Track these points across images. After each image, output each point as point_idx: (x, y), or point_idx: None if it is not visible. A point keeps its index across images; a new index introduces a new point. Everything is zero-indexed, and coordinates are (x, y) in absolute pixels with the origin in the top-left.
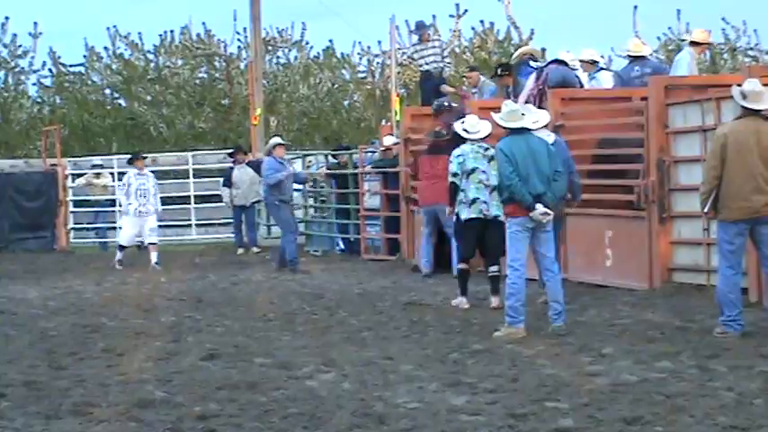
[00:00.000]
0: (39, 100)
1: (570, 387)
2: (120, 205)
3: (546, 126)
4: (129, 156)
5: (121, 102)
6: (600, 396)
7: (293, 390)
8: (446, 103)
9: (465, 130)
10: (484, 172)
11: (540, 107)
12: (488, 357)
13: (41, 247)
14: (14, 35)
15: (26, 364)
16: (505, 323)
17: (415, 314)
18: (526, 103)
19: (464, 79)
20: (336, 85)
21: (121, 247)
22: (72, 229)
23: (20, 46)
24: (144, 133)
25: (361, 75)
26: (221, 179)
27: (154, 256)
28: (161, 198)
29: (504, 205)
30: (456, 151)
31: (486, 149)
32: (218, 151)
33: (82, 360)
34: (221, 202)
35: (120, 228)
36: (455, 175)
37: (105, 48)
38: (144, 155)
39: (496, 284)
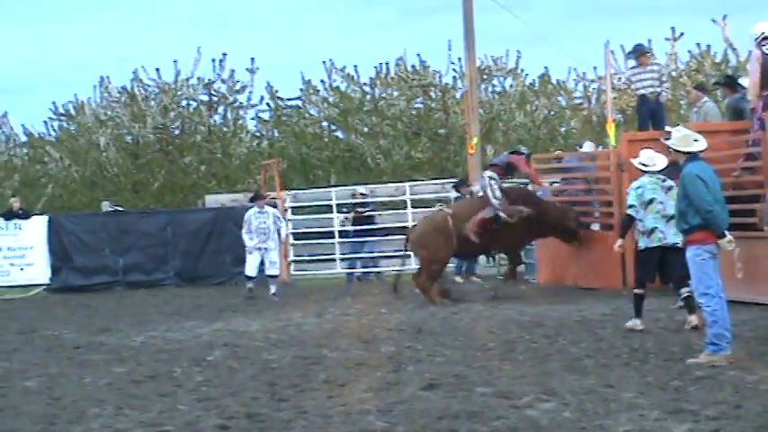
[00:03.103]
0: (257, 134)
1: None
2: (245, 243)
3: None
4: (252, 195)
5: (338, 134)
6: None
7: (514, 419)
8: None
9: (642, 164)
10: (661, 203)
11: None
12: (710, 384)
13: (263, 281)
14: (232, 71)
15: (248, 396)
16: (707, 351)
17: (635, 341)
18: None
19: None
20: (553, 112)
21: (248, 278)
22: (292, 261)
23: (238, 81)
24: (361, 164)
25: (577, 101)
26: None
27: (273, 288)
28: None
29: (695, 231)
30: (635, 183)
31: (664, 181)
32: (436, 181)
33: (303, 392)
34: None
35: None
36: (631, 206)
37: (321, 81)
38: (265, 194)
39: (692, 303)
